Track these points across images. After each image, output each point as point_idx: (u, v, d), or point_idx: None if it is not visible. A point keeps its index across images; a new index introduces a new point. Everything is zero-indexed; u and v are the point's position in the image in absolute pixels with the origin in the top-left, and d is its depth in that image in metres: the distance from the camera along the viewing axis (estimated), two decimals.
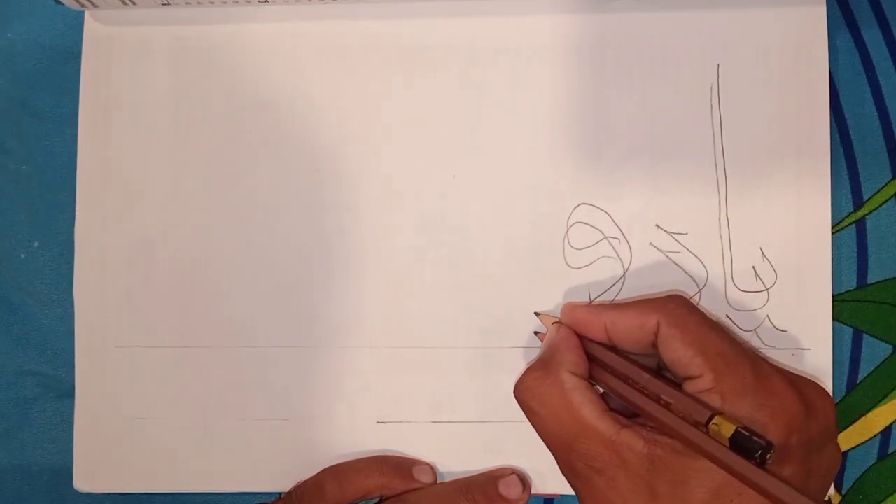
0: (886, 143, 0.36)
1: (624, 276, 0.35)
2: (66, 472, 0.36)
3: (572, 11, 0.35)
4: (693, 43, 0.35)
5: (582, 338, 0.32)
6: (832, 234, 0.35)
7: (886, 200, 0.36)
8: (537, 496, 0.35)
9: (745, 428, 0.27)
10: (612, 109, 0.35)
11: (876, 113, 0.36)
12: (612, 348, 0.32)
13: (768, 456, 0.26)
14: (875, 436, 0.36)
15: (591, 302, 0.35)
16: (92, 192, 0.36)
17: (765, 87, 0.35)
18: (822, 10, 0.35)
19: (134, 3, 0.35)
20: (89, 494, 0.36)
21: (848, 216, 0.36)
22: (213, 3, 0.35)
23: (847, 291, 0.36)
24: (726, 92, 0.35)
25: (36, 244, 0.38)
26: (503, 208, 0.36)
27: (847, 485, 0.36)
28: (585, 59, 0.35)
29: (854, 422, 0.36)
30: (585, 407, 0.30)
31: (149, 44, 0.36)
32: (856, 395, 0.36)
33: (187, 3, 0.35)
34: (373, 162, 0.36)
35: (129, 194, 0.36)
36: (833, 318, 0.35)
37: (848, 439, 0.36)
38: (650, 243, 0.35)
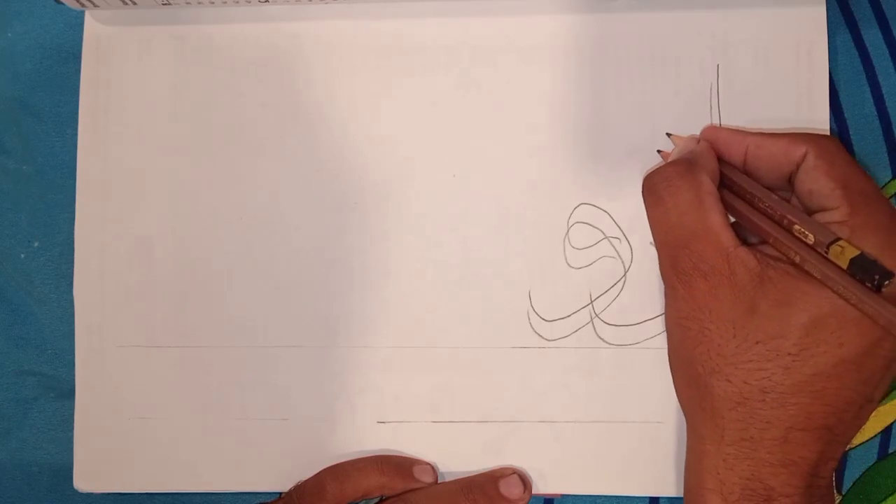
0: (886, 143, 0.36)
1: (625, 275, 0.35)
2: (66, 472, 0.36)
3: (572, 11, 0.35)
4: (693, 43, 0.35)
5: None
6: None
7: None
8: (538, 496, 0.35)
9: (869, 255, 0.27)
10: (612, 109, 0.35)
11: (876, 113, 0.36)
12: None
13: (886, 283, 0.26)
14: (875, 436, 0.36)
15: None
16: (92, 192, 0.36)
17: (765, 87, 0.35)
18: (822, 10, 0.35)
19: (134, 3, 0.35)
20: (89, 494, 0.36)
21: None
22: (213, 3, 0.35)
23: None
24: (726, 92, 0.35)
25: (36, 244, 0.38)
26: (503, 208, 0.36)
27: (847, 485, 0.36)
28: (585, 59, 0.35)
29: None
30: (714, 212, 0.30)
31: (149, 44, 0.36)
32: None
33: (187, 3, 0.35)
34: (373, 162, 0.36)
35: (128, 194, 0.36)
36: None
37: None
38: (651, 243, 0.35)
